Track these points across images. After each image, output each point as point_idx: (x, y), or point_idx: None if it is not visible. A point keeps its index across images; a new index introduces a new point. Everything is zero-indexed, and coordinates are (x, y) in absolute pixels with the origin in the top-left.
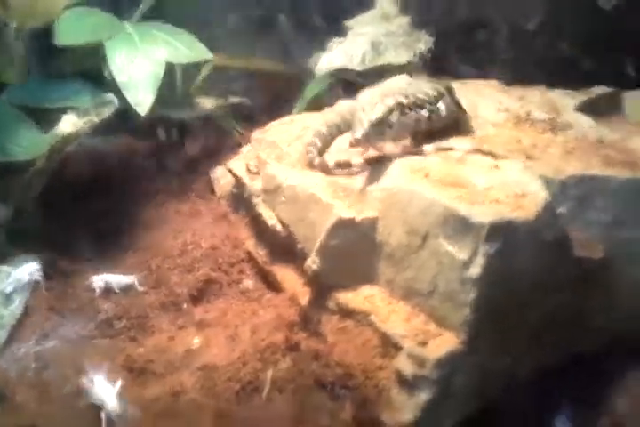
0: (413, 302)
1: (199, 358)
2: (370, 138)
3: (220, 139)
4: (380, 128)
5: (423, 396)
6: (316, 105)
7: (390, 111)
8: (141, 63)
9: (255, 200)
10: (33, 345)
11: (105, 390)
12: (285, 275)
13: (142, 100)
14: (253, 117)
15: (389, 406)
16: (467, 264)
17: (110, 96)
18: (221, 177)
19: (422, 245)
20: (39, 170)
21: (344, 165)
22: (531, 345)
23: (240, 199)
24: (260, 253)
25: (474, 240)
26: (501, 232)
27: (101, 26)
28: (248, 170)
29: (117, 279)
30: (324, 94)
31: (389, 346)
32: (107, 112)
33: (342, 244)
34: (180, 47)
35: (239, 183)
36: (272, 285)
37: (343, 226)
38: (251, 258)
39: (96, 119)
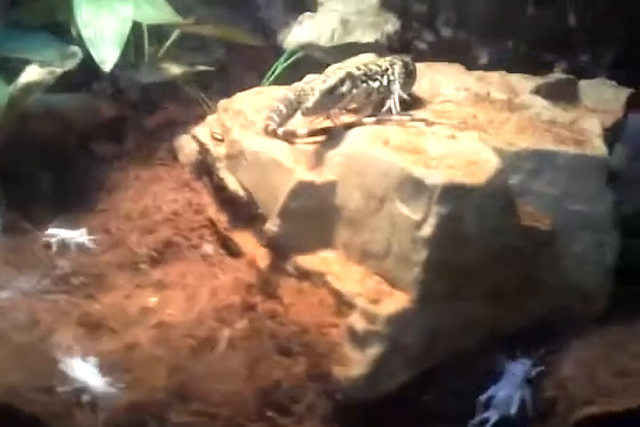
0: (368, 264)
1: (155, 316)
2: (319, 108)
3: (184, 106)
4: (330, 97)
5: (373, 351)
6: (285, 78)
7: (341, 82)
8: (108, 19)
9: (218, 166)
10: None
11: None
12: (245, 240)
13: (107, 56)
14: (220, 87)
15: (341, 362)
16: (419, 225)
17: (75, 49)
18: (185, 145)
19: (379, 208)
20: (3, 122)
21: (289, 135)
22: (480, 310)
23: (203, 167)
24: (221, 220)
25: (427, 201)
26: (453, 195)
27: None
28: (213, 137)
29: (71, 235)
30: (293, 68)
31: (343, 304)
32: (70, 64)
33: (302, 207)
34: (148, 7)
35: (203, 149)
36: (232, 250)
37: (303, 189)
38: (212, 224)
39: (59, 70)
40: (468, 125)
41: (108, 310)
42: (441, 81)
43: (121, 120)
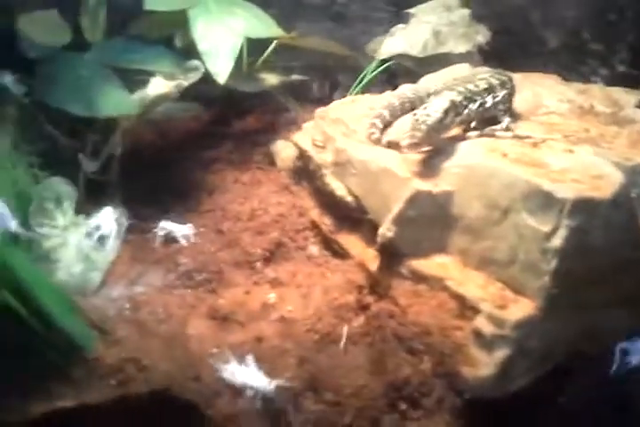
0: (488, 271)
1: (276, 311)
2: (426, 140)
3: (278, 114)
4: (436, 130)
5: (501, 354)
6: (373, 88)
7: (446, 113)
8: (222, 33)
9: (324, 172)
10: (123, 289)
11: None
12: (351, 243)
13: (221, 69)
14: (311, 96)
15: (468, 362)
16: (549, 236)
17: (196, 62)
18: (281, 150)
19: (502, 218)
20: (128, 128)
21: (393, 145)
22: (601, 318)
23: (302, 172)
24: (326, 223)
25: (557, 214)
26: (583, 208)
27: None
28: (314, 144)
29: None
30: (382, 78)
31: (466, 309)
32: (194, 77)
33: (417, 215)
34: (255, 21)
35: (304, 156)
36: (337, 252)
37: (420, 198)
38: (315, 226)
39: (185, 83)
40: (581, 139)
41: (231, 305)
42: (541, 92)
43: (220, 126)
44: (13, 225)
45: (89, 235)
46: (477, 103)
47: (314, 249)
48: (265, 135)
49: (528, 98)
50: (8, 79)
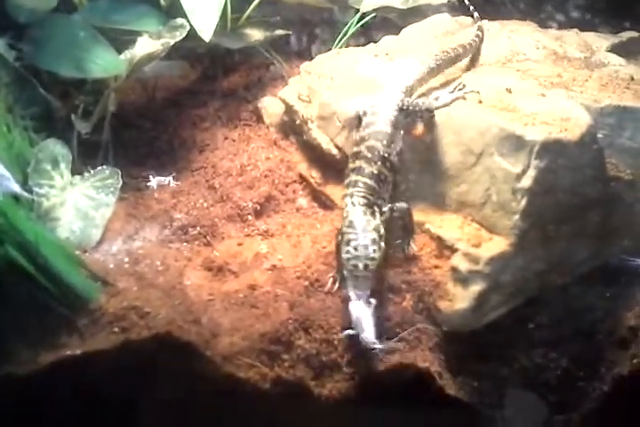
0: (465, 213)
1: (268, 260)
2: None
3: (264, 70)
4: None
5: (476, 288)
6: (356, 41)
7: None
8: None
9: (309, 126)
10: (122, 244)
11: None
12: (338, 194)
13: (206, 26)
14: (296, 50)
15: (446, 297)
16: (519, 177)
17: (182, 21)
18: (269, 106)
19: (476, 163)
20: (118, 88)
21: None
22: (566, 252)
23: (289, 127)
24: (313, 176)
25: (527, 156)
26: (551, 149)
27: None
28: (300, 99)
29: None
30: (364, 31)
31: (445, 248)
32: (179, 36)
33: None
34: None
35: (291, 111)
36: (324, 204)
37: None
38: (303, 180)
39: (171, 42)
40: (554, 84)
41: (225, 256)
42: (518, 40)
43: (206, 83)
44: (15, 187)
45: (86, 194)
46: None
47: (303, 201)
48: (251, 92)
49: (505, 45)
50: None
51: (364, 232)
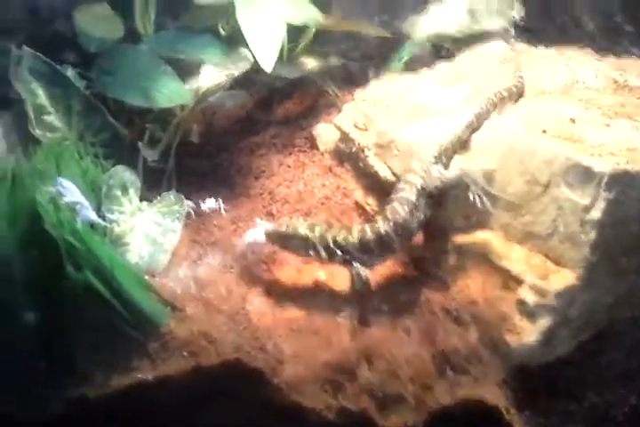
0: (530, 244)
1: (326, 287)
2: None
3: (318, 97)
4: None
5: (544, 321)
6: (410, 68)
7: None
8: (266, 22)
9: (365, 154)
10: (187, 269)
11: None
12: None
13: (267, 56)
14: (350, 78)
15: (513, 331)
16: (587, 208)
17: (245, 51)
18: (323, 133)
19: (543, 193)
20: (185, 118)
21: None
22: (634, 287)
23: (344, 154)
24: (370, 203)
25: (595, 187)
26: (619, 180)
27: None
28: (355, 126)
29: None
30: (418, 58)
31: (510, 280)
32: (243, 67)
33: (460, 192)
34: (296, 9)
35: (346, 138)
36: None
37: (463, 176)
38: (359, 207)
39: (236, 73)
40: (617, 113)
41: (285, 283)
42: (577, 67)
43: (262, 111)
44: (92, 215)
45: (153, 219)
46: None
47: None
48: (306, 119)
49: (564, 73)
50: (70, 73)
51: None
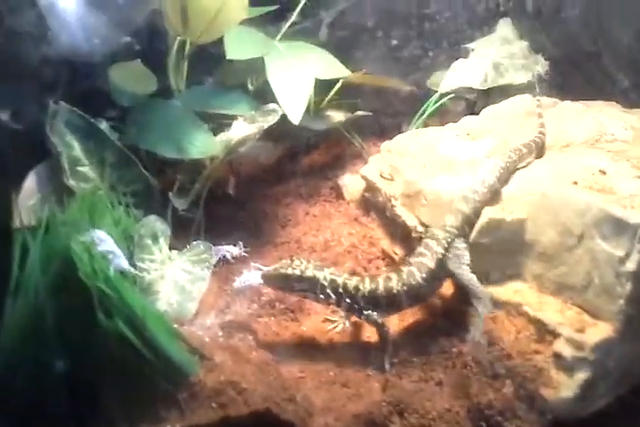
0: (564, 296)
1: (354, 338)
2: None
3: (343, 149)
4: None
5: (582, 375)
6: (435, 121)
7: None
8: (295, 77)
9: (392, 204)
10: (215, 318)
11: None
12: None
13: (295, 110)
14: (375, 130)
15: (550, 385)
16: (623, 260)
17: (273, 105)
18: (349, 183)
19: (576, 244)
20: (215, 169)
21: None
22: None
23: (371, 203)
24: (397, 252)
25: (630, 239)
26: None
27: (259, 43)
28: (382, 176)
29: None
30: (443, 111)
31: (546, 332)
32: (272, 120)
33: (492, 242)
34: (324, 64)
35: (373, 188)
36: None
37: (494, 226)
38: (386, 256)
39: (265, 126)
40: None
41: (312, 333)
42: (605, 120)
43: (289, 162)
44: (124, 264)
45: (183, 268)
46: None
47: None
48: (331, 170)
49: (592, 126)
50: (104, 126)
51: None
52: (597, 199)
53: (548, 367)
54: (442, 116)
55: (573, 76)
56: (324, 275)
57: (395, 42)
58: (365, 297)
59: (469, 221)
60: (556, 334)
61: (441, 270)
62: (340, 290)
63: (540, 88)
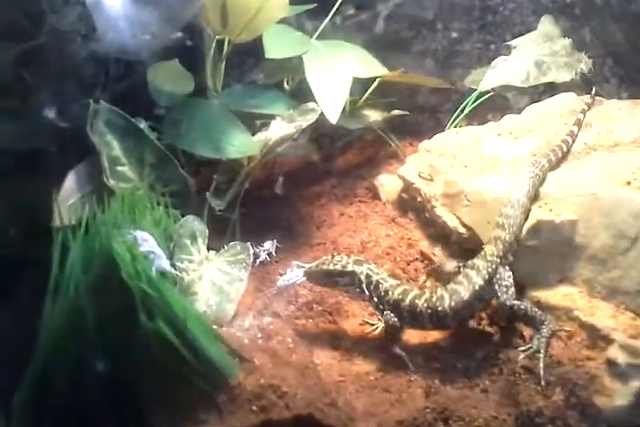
0: (617, 301)
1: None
2: None
3: (379, 148)
4: None
5: (636, 383)
6: (475, 119)
7: None
8: (333, 76)
9: (432, 204)
10: (253, 319)
11: None
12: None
13: (333, 109)
14: (412, 129)
15: (603, 392)
16: None
17: (312, 104)
18: (385, 183)
19: (631, 247)
20: (253, 168)
21: None
22: None
23: (408, 204)
24: (436, 254)
25: None
26: None
27: (297, 42)
28: (420, 176)
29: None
30: (483, 110)
31: (598, 338)
32: (311, 119)
33: (540, 244)
34: (361, 63)
35: (411, 188)
36: (448, 282)
37: (542, 228)
38: (424, 258)
39: (304, 125)
40: None
41: (351, 335)
42: None
43: (325, 162)
44: (166, 265)
45: (220, 268)
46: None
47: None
48: (366, 170)
49: (639, 125)
50: (143, 125)
51: None
52: None
53: (601, 374)
54: (481, 114)
55: (618, 74)
56: (362, 269)
57: (436, 40)
58: (390, 304)
59: (511, 248)
60: (609, 340)
61: (476, 301)
62: (372, 287)
63: (586, 86)
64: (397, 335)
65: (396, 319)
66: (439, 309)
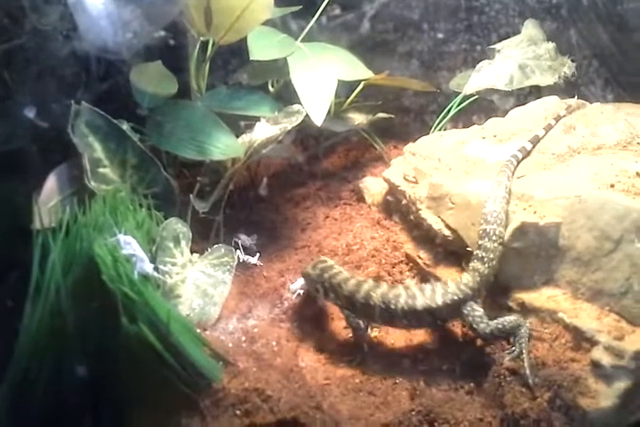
0: (601, 303)
1: (380, 345)
2: None
3: (364, 151)
4: None
5: (621, 384)
6: (459, 123)
7: None
8: (318, 78)
9: (417, 207)
10: (237, 322)
11: None
12: (450, 276)
13: (318, 111)
14: (396, 132)
15: (587, 394)
16: None
17: (298, 106)
18: (370, 186)
19: (614, 249)
20: (237, 170)
21: None
22: None
23: (394, 207)
24: (422, 256)
25: None
26: None
27: (282, 44)
28: (406, 179)
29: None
30: (467, 113)
31: (582, 340)
32: (295, 121)
33: (524, 246)
34: (345, 66)
35: (396, 191)
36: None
37: (526, 230)
38: (409, 260)
39: (289, 127)
40: None
41: (336, 338)
42: (635, 122)
43: (309, 164)
44: (148, 268)
45: (204, 271)
46: None
47: (410, 283)
48: (351, 172)
49: (623, 128)
50: (125, 126)
51: None
52: (637, 203)
53: (586, 376)
54: (466, 117)
55: (604, 76)
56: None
57: (419, 44)
58: (345, 296)
59: (488, 279)
60: (593, 342)
61: (427, 316)
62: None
63: (569, 90)
64: (365, 337)
65: (357, 320)
66: (392, 308)
